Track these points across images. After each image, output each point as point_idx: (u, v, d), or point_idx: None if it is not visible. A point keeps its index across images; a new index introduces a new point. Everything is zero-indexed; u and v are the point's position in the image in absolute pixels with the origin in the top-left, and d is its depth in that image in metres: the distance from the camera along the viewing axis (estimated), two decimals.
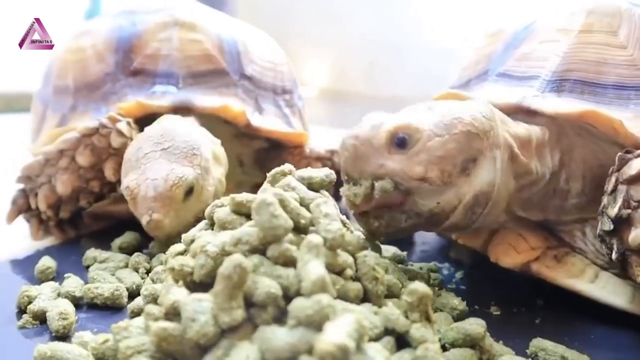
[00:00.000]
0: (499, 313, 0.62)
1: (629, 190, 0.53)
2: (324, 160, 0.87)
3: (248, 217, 0.54)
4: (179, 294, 0.46)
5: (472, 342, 0.50)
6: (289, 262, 0.47)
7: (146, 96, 0.79)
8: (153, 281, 0.58)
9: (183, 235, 0.58)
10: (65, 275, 0.62)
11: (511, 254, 0.63)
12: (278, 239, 0.47)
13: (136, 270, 0.63)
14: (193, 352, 0.44)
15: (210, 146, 0.73)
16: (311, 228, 0.51)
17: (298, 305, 0.43)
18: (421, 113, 0.57)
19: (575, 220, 0.65)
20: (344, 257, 0.50)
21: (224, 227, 0.53)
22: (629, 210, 0.52)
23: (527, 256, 0.63)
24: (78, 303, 0.58)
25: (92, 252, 0.68)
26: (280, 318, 0.45)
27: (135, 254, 0.66)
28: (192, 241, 0.56)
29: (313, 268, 0.45)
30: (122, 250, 0.71)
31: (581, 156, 0.64)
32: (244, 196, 0.54)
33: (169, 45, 0.83)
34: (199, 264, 0.48)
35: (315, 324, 0.42)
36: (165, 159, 0.67)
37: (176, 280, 0.49)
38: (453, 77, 0.80)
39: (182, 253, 0.58)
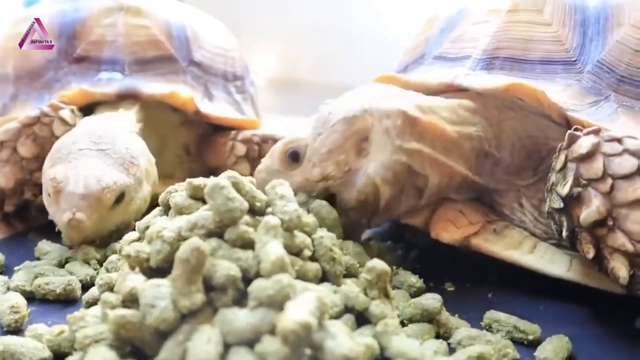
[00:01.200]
0: (453, 289, 0.63)
1: (579, 168, 0.53)
2: (250, 143, 0.81)
3: (205, 201, 0.53)
4: (136, 281, 0.46)
5: (429, 317, 0.51)
6: (247, 244, 0.47)
7: (91, 83, 0.77)
8: (107, 270, 0.57)
9: (137, 223, 0.57)
10: (15, 268, 0.60)
11: (450, 230, 0.64)
12: (234, 221, 0.47)
13: (87, 262, 0.62)
14: (153, 338, 0.43)
15: (146, 160, 0.70)
16: (267, 210, 0.51)
17: (258, 286, 0.43)
18: (303, 126, 0.62)
19: (509, 191, 0.66)
20: (301, 238, 0.50)
21: (180, 212, 0.52)
22: (580, 189, 0.53)
23: (466, 231, 0.64)
24: (29, 297, 0.56)
25: (43, 245, 0.66)
26: (240, 300, 0.45)
27: (82, 246, 0.64)
28: (147, 228, 0.56)
29: (272, 249, 0.45)
30: None
31: (511, 127, 0.66)
32: (201, 180, 0.53)
33: (114, 31, 0.81)
34: (155, 250, 0.48)
35: (277, 303, 0.42)
36: (100, 160, 0.64)
37: (132, 267, 0.48)
38: (395, 64, 0.82)
39: (135, 241, 0.57)
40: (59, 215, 0.62)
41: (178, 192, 0.55)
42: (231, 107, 0.84)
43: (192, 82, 0.82)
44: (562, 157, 0.56)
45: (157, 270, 0.48)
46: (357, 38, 2.18)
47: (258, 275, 0.45)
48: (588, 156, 0.53)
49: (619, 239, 0.51)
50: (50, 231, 0.72)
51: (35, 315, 0.54)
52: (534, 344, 0.53)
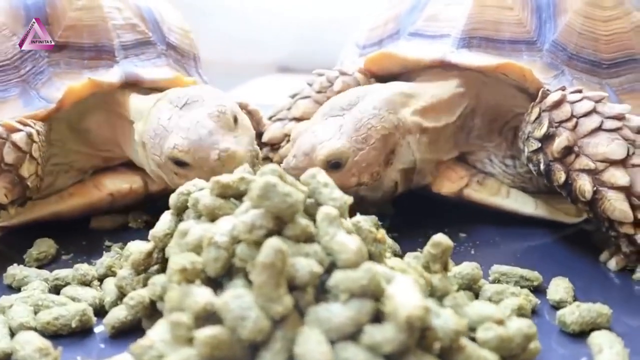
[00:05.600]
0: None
1: (551, 114, 0.63)
2: None
3: (235, 198, 0.48)
4: (205, 295, 0.40)
5: (473, 284, 0.53)
6: (309, 238, 0.44)
7: (87, 73, 0.67)
8: (122, 288, 0.49)
9: (151, 232, 0.50)
10: (2, 303, 0.49)
11: (447, 184, 0.73)
12: (293, 216, 0.44)
13: (85, 284, 0.53)
14: (245, 353, 0.39)
15: None
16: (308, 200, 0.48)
17: (345, 278, 0.40)
18: (334, 128, 0.64)
19: (480, 150, 0.75)
20: (347, 223, 0.48)
21: (213, 214, 0.47)
22: (553, 129, 0.63)
23: (459, 184, 0.73)
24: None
25: (15, 270, 0.55)
26: (316, 296, 0.42)
27: (76, 266, 0.54)
28: (167, 235, 0.49)
29: (346, 239, 0.42)
30: (39, 261, 0.58)
31: (485, 98, 0.74)
32: (228, 178, 0.48)
33: (91, 14, 0.69)
34: (212, 258, 0.42)
35: (370, 293, 0.40)
36: (193, 111, 0.60)
37: (188, 280, 0.42)
38: (360, 37, 0.84)
39: (151, 252, 0.50)
40: (205, 164, 0.58)
41: (200, 193, 0.49)
42: None
43: (175, 65, 0.74)
44: (535, 110, 0.65)
45: (213, 280, 0.43)
46: (210, 13, 2.08)
47: (332, 267, 0.42)
48: (558, 104, 0.63)
49: (584, 161, 0.60)
50: None
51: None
52: (539, 290, 0.57)
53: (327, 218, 0.44)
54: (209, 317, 0.40)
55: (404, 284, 0.40)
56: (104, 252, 0.59)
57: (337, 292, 0.40)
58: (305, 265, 0.41)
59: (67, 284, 0.53)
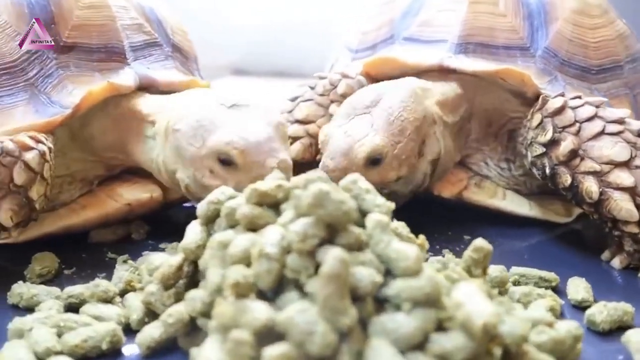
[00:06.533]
0: (452, 255, 0.65)
1: (554, 120, 0.64)
2: None
3: (271, 207, 0.46)
4: (264, 311, 0.38)
5: (501, 286, 0.52)
6: (361, 246, 0.42)
7: (98, 75, 0.62)
8: (150, 304, 0.46)
9: (181, 244, 0.47)
10: (12, 326, 0.44)
11: (447, 187, 0.74)
12: (346, 224, 0.42)
13: (106, 300, 0.48)
14: None
15: None
16: None
17: (407, 287, 0.39)
18: (366, 125, 0.64)
19: (475, 153, 0.77)
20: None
21: (252, 224, 0.44)
22: (557, 134, 0.64)
23: (459, 187, 0.74)
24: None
25: (21, 288, 0.49)
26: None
27: (94, 282, 0.49)
28: (199, 246, 0.46)
29: (403, 246, 0.41)
30: (42, 277, 0.53)
31: (480, 102, 0.75)
32: (266, 185, 0.45)
33: (99, 14, 0.64)
34: (264, 271, 0.40)
35: (433, 301, 0.39)
36: (246, 114, 0.58)
37: (241, 295, 0.39)
38: (351, 40, 0.83)
39: (182, 265, 0.47)
40: (256, 170, 0.55)
41: (234, 201, 0.46)
42: None
43: (182, 68, 0.70)
44: (537, 116, 0.66)
45: (263, 293, 0.41)
46: (205, 19, 2.00)
47: (386, 275, 0.41)
48: (560, 110, 0.65)
49: (589, 163, 0.62)
50: None
51: None
52: (555, 290, 0.57)
53: (379, 225, 0.42)
54: (267, 333, 0.38)
55: (470, 290, 0.39)
56: (117, 265, 0.55)
57: (399, 301, 0.39)
58: (366, 274, 0.39)
59: (83, 301, 0.48)
